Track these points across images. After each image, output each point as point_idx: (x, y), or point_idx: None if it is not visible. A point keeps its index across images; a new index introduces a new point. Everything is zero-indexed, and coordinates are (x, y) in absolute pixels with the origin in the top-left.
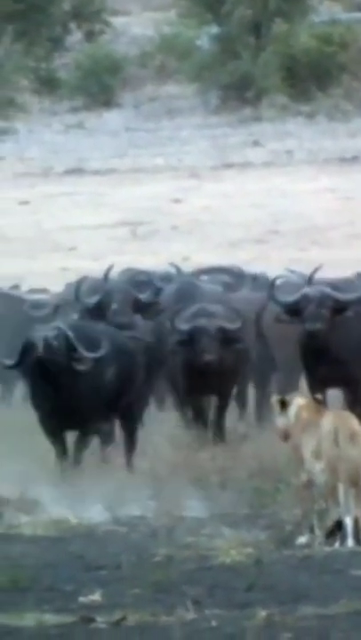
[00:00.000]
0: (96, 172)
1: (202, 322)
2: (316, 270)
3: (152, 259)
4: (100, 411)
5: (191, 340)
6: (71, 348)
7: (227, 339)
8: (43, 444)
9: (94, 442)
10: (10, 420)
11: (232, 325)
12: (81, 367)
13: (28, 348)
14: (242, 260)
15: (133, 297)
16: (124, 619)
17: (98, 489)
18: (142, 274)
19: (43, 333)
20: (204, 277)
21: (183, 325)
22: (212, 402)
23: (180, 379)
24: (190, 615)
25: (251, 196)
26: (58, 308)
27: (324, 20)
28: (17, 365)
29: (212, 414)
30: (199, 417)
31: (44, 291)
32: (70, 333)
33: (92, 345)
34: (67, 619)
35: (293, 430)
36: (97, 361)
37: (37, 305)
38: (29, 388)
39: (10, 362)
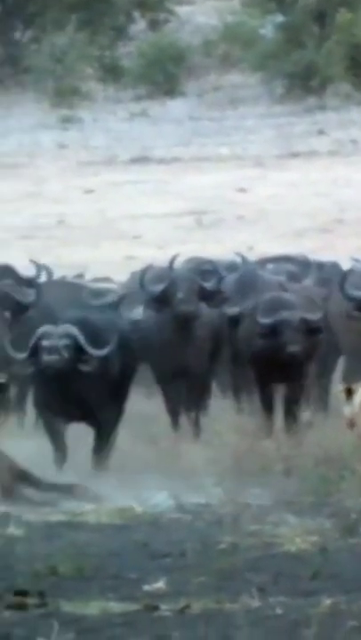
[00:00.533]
0: (161, 161)
1: (285, 314)
2: None
3: (217, 248)
4: (105, 403)
5: (274, 332)
6: (80, 351)
7: (309, 330)
8: None
9: (154, 429)
10: None
11: (314, 316)
12: (87, 368)
13: (37, 347)
14: (307, 249)
15: (198, 285)
16: (188, 606)
17: (163, 477)
18: (207, 263)
19: (52, 339)
20: (270, 266)
21: (265, 318)
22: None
23: (259, 368)
24: (255, 603)
25: (315, 185)
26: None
27: None
28: (28, 359)
29: (282, 403)
30: (268, 405)
31: (108, 279)
32: (80, 337)
33: (100, 340)
34: (131, 607)
35: (359, 418)
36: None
37: (98, 293)
38: (35, 384)
39: (21, 355)
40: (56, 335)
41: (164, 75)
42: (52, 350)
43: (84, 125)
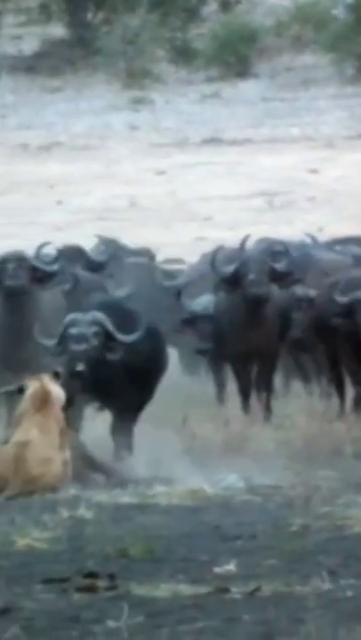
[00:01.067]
0: (232, 142)
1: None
2: None
3: (288, 229)
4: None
5: (351, 311)
6: (109, 338)
7: None
8: (176, 415)
9: (225, 412)
10: None
11: None
12: (114, 357)
13: (65, 336)
14: None
15: (270, 267)
16: (258, 589)
17: (233, 459)
18: (278, 244)
19: (81, 327)
20: (338, 248)
21: (342, 297)
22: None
23: (331, 349)
24: (325, 585)
25: None
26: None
27: None
28: (57, 346)
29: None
30: (340, 388)
31: (179, 261)
32: (109, 325)
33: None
34: (201, 589)
35: None
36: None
37: (169, 275)
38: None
39: (50, 343)
40: (84, 323)
41: (235, 56)
42: (80, 338)
43: (155, 107)
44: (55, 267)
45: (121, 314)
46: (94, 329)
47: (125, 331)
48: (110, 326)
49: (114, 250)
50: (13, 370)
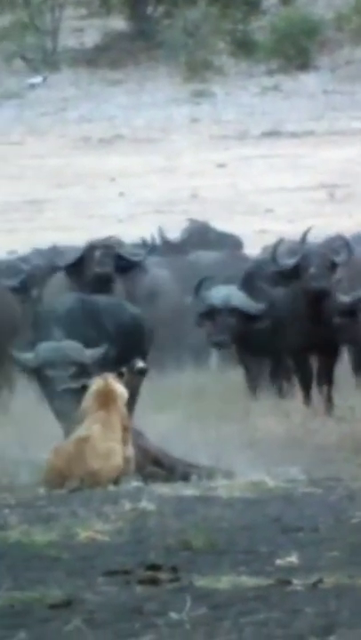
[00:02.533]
0: (293, 135)
1: None
2: None
3: (348, 221)
4: None
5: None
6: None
7: None
8: (238, 408)
9: (286, 404)
10: (205, 386)
11: None
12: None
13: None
14: None
15: (330, 260)
16: (320, 581)
17: (295, 451)
18: (339, 237)
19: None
20: None
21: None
22: None
23: None
24: None
25: None
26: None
27: None
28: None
29: None
30: None
31: None
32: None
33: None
34: (263, 581)
35: None
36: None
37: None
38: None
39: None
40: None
41: (296, 49)
42: None
43: (216, 100)
44: (140, 257)
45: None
46: None
47: None
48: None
49: (202, 234)
50: None
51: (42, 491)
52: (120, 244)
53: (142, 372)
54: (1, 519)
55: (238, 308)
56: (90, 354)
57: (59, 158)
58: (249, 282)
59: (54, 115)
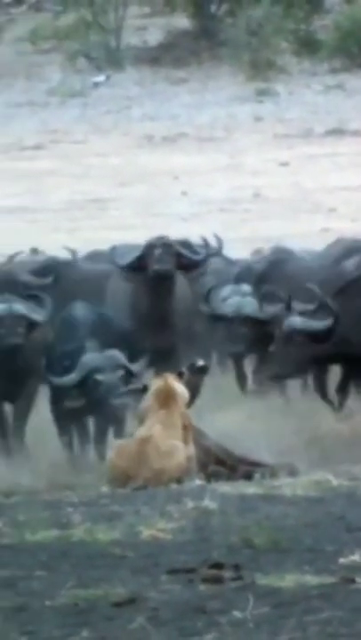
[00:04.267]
0: (356, 133)
1: None
2: None
3: None
4: None
5: None
6: None
7: None
8: (301, 406)
9: (349, 403)
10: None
11: None
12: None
13: None
14: None
15: None
16: None
17: (359, 449)
18: None
19: None
20: None
21: None
22: None
23: None
24: None
25: None
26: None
27: None
28: None
29: None
30: None
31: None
32: None
33: None
34: (327, 580)
35: None
36: None
37: None
38: None
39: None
40: None
41: (359, 47)
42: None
43: (279, 98)
44: (200, 255)
45: None
46: None
47: None
48: None
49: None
50: (150, 358)
51: (105, 489)
52: (186, 243)
53: (202, 371)
54: (64, 518)
55: (251, 317)
56: (135, 365)
57: (122, 157)
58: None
59: (118, 113)
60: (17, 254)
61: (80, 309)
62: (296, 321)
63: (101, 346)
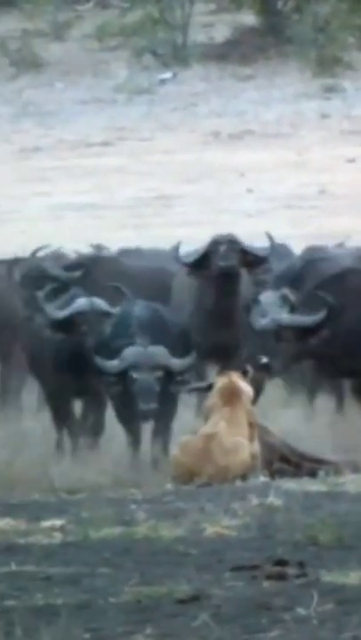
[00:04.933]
0: None
1: None
2: None
3: None
4: None
5: None
6: None
7: None
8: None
9: None
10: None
11: None
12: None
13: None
14: None
15: None
16: None
17: None
18: None
19: None
20: None
21: None
22: None
23: None
24: None
25: None
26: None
27: None
28: None
29: None
30: None
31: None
32: None
33: None
34: None
35: None
36: None
37: None
38: None
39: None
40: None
41: None
42: None
43: (346, 95)
44: (266, 252)
45: None
46: None
47: None
48: None
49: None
50: (214, 356)
51: (170, 486)
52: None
53: (266, 368)
54: (128, 515)
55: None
56: (178, 362)
57: (188, 154)
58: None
59: (184, 110)
60: (40, 249)
61: (135, 306)
62: (284, 317)
63: (154, 342)
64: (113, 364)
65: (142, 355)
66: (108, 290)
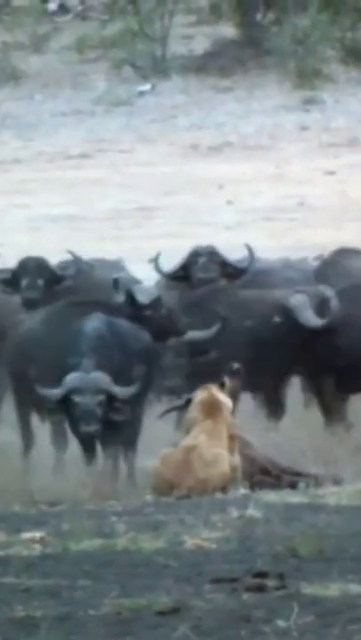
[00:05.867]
0: None
1: None
2: None
3: None
4: None
5: None
6: None
7: None
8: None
9: None
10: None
11: None
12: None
13: None
14: None
15: None
16: None
17: None
18: None
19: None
20: None
21: None
22: None
23: None
24: None
25: None
26: None
27: None
28: None
29: None
30: None
31: None
32: None
33: None
34: None
35: None
36: None
37: None
38: None
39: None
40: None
41: None
42: None
43: (326, 107)
44: (245, 263)
45: None
46: None
47: None
48: None
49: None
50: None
51: (149, 498)
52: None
53: (237, 374)
54: (108, 527)
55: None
56: (121, 390)
57: (168, 166)
58: None
59: (163, 122)
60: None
61: (94, 321)
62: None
63: (108, 360)
64: (53, 393)
65: (84, 379)
66: None
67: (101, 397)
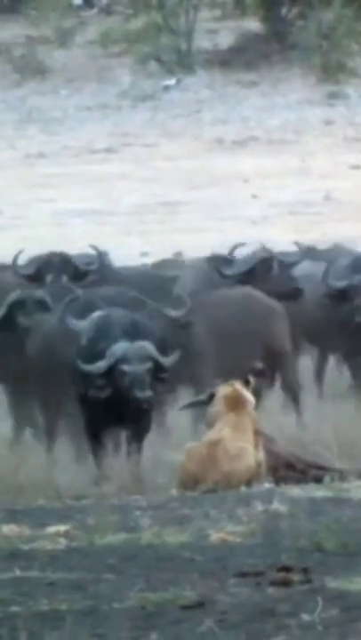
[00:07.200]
0: None
1: None
2: None
3: None
4: None
5: None
6: None
7: None
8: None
9: None
10: (338, 387)
11: None
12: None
13: None
14: None
15: None
16: None
17: None
18: None
19: None
20: None
21: None
22: None
23: None
24: None
25: None
26: None
27: None
28: None
29: None
30: None
31: None
32: None
33: None
34: None
35: None
36: None
37: None
38: None
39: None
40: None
41: None
42: None
43: (350, 101)
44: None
45: None
46: None
47: None
48: None
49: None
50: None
51: (174, 492)
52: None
53: (261, 374)
54: (133, 521)
55: None
56: (166, 359)
57: (192, 160)
58: None
59: (188, 117)
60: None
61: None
62: None
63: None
64: (98, 366)
65: (130, 348)
66: None
67: (149, 364)
